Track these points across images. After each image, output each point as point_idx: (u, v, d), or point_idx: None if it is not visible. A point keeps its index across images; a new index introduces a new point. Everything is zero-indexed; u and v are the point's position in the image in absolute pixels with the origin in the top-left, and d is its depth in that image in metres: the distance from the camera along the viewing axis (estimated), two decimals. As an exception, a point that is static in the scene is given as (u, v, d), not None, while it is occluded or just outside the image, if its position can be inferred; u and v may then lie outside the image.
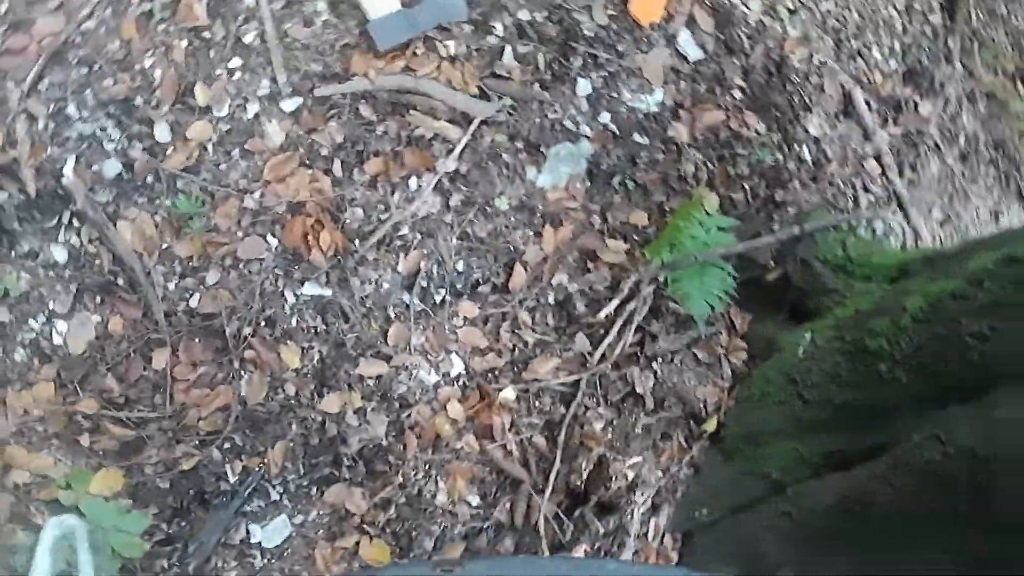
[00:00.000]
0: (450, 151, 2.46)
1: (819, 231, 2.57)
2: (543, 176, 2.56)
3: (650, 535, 2.51)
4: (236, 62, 2.43)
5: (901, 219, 2.81)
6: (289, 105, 2.42)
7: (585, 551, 2.45)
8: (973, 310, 1.91)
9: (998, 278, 1.84)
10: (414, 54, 2.48)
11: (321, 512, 2.42)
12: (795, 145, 2.73)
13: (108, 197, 2.35)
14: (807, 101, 2.75)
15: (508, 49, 2.56)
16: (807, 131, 2.74)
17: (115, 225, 2.32)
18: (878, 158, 2.81)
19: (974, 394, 1.86)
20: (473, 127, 2.46)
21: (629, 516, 2.48)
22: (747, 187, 2.69)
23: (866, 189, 2.78)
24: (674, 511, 2.57)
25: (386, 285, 2.45)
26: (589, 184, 2.61)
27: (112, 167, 2.36)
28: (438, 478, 2.44)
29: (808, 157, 2.73)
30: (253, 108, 2.41)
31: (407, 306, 2.46)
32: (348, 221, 2.42)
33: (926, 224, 2.86)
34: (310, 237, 2.37)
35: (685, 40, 2.68)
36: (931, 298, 2.05)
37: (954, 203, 2.99)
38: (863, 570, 2.06)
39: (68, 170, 2.29)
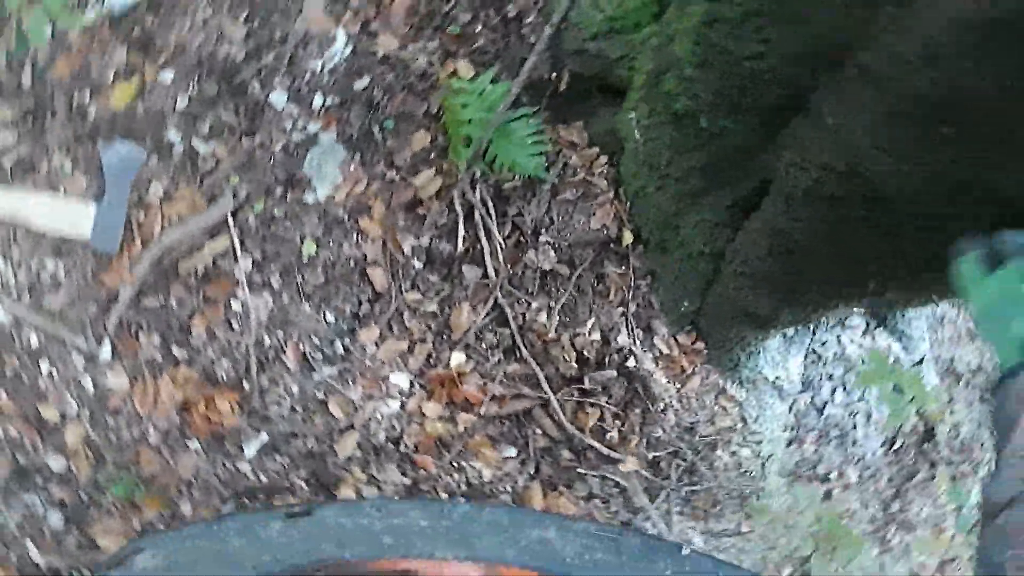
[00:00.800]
0: (235, 257, 2.37)
1: (568, 14, 2.40)
2: (320, 190, 2.45)
3: (664, 350, 2.63)
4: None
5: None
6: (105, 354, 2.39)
7: (615, 411, 2.61)
8: (734, 32, 1.80)
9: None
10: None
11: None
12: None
13: None
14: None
15: (198, 143, 2.39)
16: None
17: None
18: None
19: (801, 105, 1.80)
20: (232, 224, 2.34)
21: (628, 358, 2.59)
22: (484, 28, 2.49)
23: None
24: (664, 319, 2.66)
25: (295, 386, 2.47)
26: (359, 156, 2.48)
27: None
28: (469, 463, 2.59)
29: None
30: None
31: (324, 381, 2.50)
32: (224, 377, 2.41)
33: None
34: (213, 418, 2.40)
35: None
36: (692, 35, 1.95)
37: None
38: (831, 300, 2.13)
39: None
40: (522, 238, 2.55)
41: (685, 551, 0.49)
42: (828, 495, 3.09)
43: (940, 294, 1.94)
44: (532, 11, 2.47)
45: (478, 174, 2.45)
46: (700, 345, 2.69)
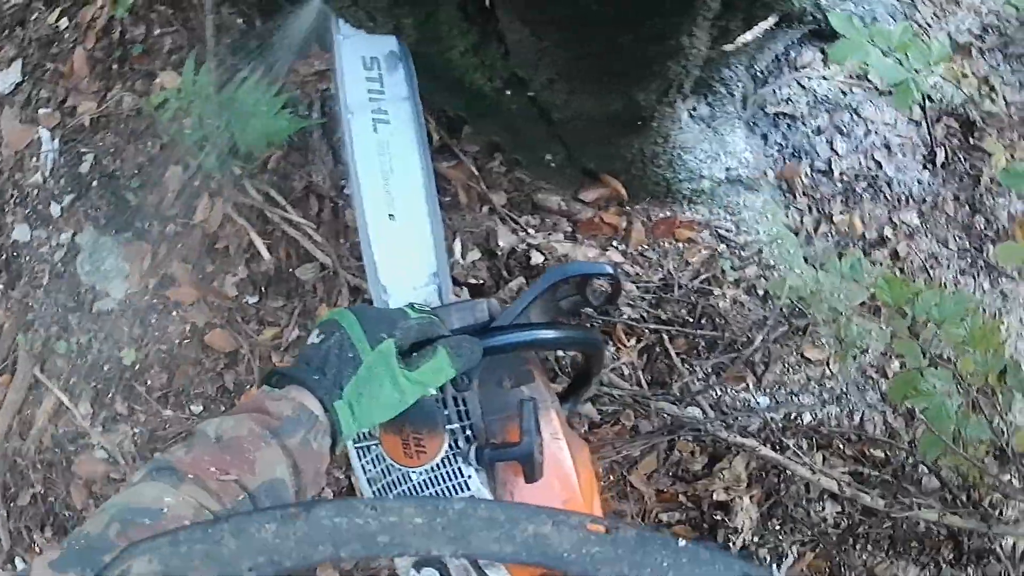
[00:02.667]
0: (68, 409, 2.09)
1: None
2: (113, 291, 2.14)
3: (576, 216, 2.12)
4: None
5: None
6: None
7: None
8: None
9: None
10: None
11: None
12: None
13: None
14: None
15: None
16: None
17: None
18: None
19: None
20: (46, 379, 2.09)
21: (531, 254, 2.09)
22: (160, 26, 2.16)
23: None
24: (547, 186, 2.15)
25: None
26: (128, 233, 2.16)
27: None
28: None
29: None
30: None
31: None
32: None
33: None
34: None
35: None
36: None
37: None
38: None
39: None
40: (331, 202, 2.12)
41: (681, 543, 0.48)
42: (895, 255, 2.40)
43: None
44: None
45: (240, 172, 2.06)
46: (610, 188, 2.15)
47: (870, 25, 2.30)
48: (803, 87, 2.48)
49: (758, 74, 2.43)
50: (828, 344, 2.33)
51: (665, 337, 2.15)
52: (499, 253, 2.09)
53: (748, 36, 2.03)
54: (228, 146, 2.06)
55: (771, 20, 2.03)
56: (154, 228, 2.15)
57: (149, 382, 2.12)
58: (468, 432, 1.07)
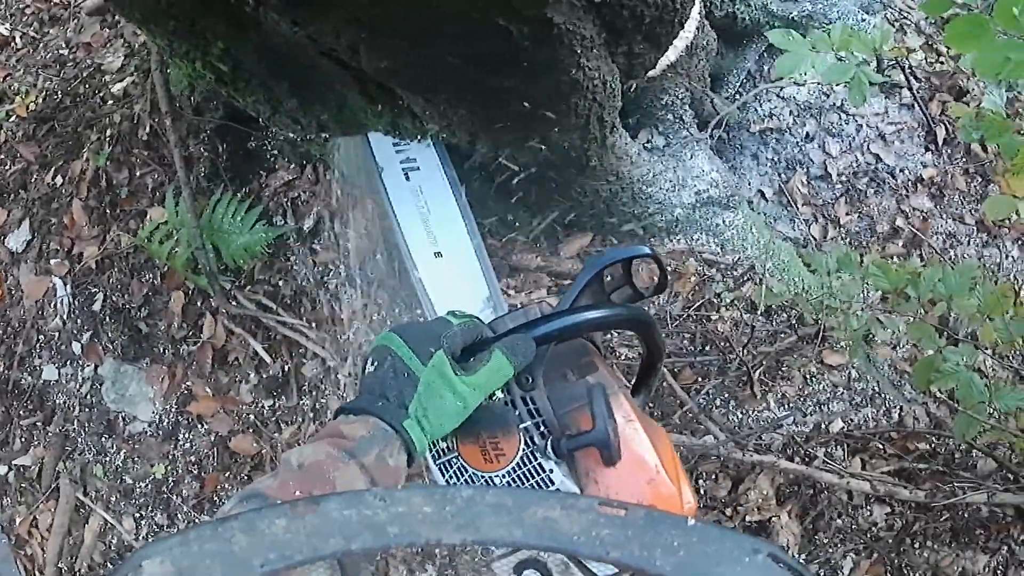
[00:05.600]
0: (114, 528, 2.23)
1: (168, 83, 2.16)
2: (140, 414, 2.29)
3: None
4: None
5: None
6: None
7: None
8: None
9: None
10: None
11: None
12: None
13: None
14: None
15: (21, 461, 2.34)
16: None
17: None
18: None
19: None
20: (90, 503, 2.23)
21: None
22: (139, 167, 2.31)
23: None
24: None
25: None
26: (145, 359, 2.31)
27: None
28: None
29: None
30: None
31: None
32: None
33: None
34: None
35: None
36: None
37: None
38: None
39: None
40: (311, 296, 2.22)
41: (691, 522, 0.50)
42: (914, 240, 2.33)
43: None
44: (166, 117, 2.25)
45: (230, 286, 2.18)
46: (588, 236, 2.16)
47: (810, 29, 2.27)
48: (783, 98, 2.44)
49: (735, 95, 2.41)
50: (846, 347, 2.27)
51: (666, 371, 2.14)
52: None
53: (671, 56, 2.01)
54: (215, 264, 2.18)
55: (687, 36, 2.01)
56: (168, 351, 2.28)
57: (184, 492, 2.24)
58: (542, 428, 1.08)
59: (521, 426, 1.08)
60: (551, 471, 1.07)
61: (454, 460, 1.11)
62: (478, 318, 1.08)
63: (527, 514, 0.52)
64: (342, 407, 0.99)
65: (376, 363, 1.00)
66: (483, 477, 1.08)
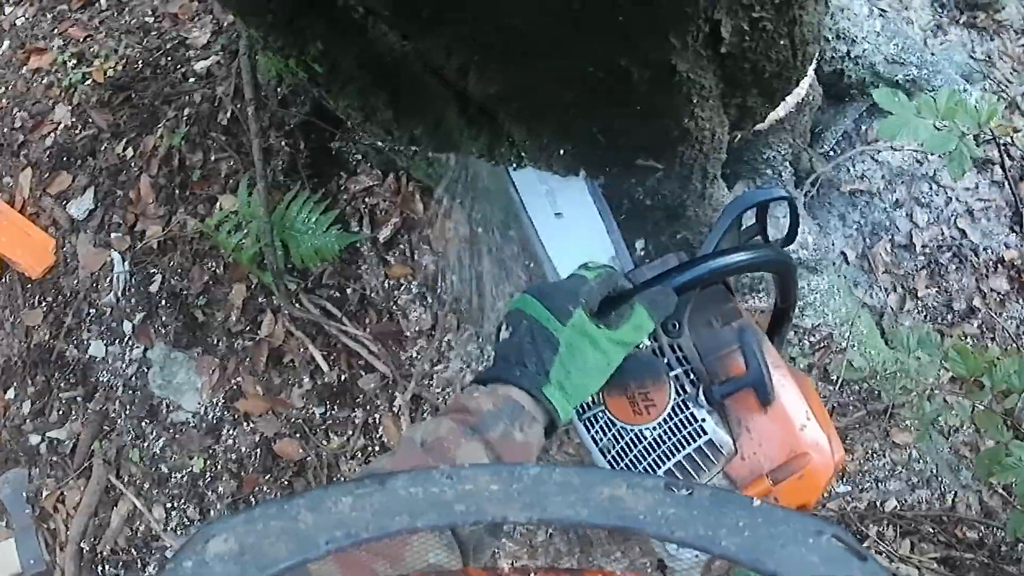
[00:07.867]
0: (143, 515, 2.17)
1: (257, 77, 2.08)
2: (185, 403, 2.22)
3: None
4: None
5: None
6: None
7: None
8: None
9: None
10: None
11: None
12: None
13: None
14: None
15: (55, 433, 2.30)
16: None
17: None
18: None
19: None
20: (122, 485, 2.16)
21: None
22: (215, 151, 2.23)
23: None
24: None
25: None
26: (197, 348, 2.24)
27: None
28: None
29: None
30: None
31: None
32: None
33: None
34: None
35: None
36: None
37: None
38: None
39: None
40: (387, 312, 2.15)
41: (757, 502, 0.49)
42: (989, 322, 2.26)
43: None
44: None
45: (295, 287, 2.11)
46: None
47: (914, 94, 2.19)
48: (877, 161, 2.37)
49: (830, 152, 2.34)
50: (913, 426, 2.21)
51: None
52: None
53: (780, 112, 1.94)
54: (283, 263, 2.11)
55: (800, 93, 1.94)
56: (222, 343, 2.22)
57: (220, 489, 2.18)
58: (692, 376, 1.04)
59: (671, 374, 1.04)
60: (703, 420, 1.02)
61: (600, 415, 1.06)
62: (612, 268, 1.03)
63: (593, 493, 0.52)
64: (477, 377, 0.95)
65: (511, 328, 0.95)
66: (632, 431, 1.03)
